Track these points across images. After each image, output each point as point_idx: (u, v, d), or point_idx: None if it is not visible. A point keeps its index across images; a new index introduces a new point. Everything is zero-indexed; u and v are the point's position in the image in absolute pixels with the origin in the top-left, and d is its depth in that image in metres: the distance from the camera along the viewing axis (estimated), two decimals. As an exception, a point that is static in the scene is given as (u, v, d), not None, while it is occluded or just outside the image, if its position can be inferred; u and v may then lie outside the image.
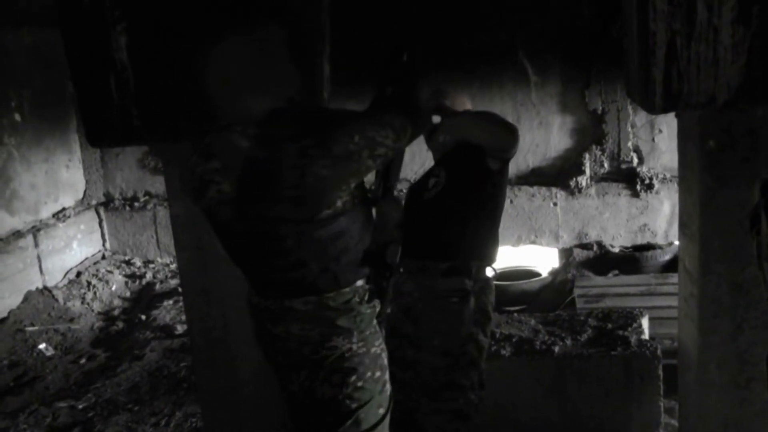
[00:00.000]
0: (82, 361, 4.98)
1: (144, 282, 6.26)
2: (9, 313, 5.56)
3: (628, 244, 5.92)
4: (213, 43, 2.08)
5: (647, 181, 5.83)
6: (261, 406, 2.73)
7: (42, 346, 5.20)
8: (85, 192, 6.79)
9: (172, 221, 2.65)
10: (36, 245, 6.02)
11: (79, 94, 2.55)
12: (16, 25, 5.84)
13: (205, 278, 2.62)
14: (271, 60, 2.09)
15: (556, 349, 3.07)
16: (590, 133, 5.96)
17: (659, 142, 5.91)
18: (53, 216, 6.35)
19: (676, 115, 2.60)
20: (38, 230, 6.07)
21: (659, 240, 5.85)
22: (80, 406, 4.25)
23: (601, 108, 5.92)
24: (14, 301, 5.67)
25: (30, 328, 5.44)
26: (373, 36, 5.58)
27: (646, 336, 3.28)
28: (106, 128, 2.50)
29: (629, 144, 5.94)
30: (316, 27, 2.69)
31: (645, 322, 3.37)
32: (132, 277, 6.37)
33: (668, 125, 5.78)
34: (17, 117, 6.02)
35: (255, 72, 2.05)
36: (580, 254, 5.76)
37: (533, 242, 5.89)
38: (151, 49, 2.40)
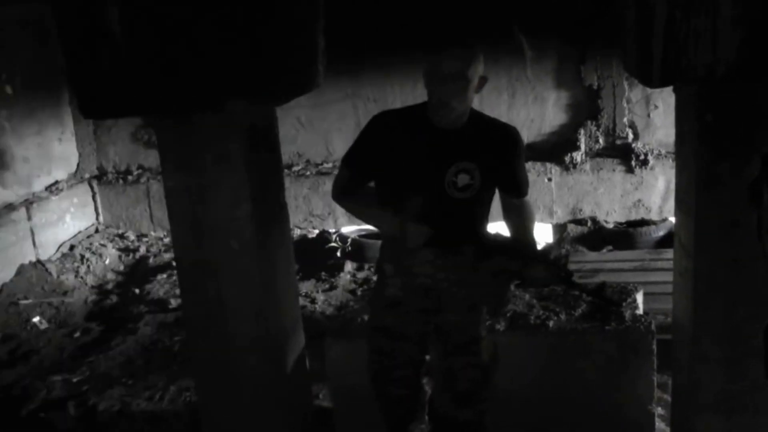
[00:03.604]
0: (76, 334, 4.98)
1: (137, 256, 6.25)
2: (2, 286, 5.56)
3: (623, 220, 5.94)
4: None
5: (642, 157, 5.83)
6: (257, 378, 2.73)
7: (36, 319, 5.20)
8: (78, 165, 6.76)
9: (166, 194, 2.63)
10: (29, 218, 6.00)
11: (71, 66, 2.51)
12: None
13: (199, 251, 2.60)
14: None
15: (551, 323, 3.08)
16: (585, 108, 5.96)
17: (654, 118, 5.90)
18: (46, 189, 6.33)
19: (674, 89, 2.59)
20: (31, 203, 6.04)
21: (653, 216, 5.87)
22: (74, 380, 4.26)
23: (596, 83, 5.90)
24: (7, 274, 5.66)
25: (23, 302, 5.43)
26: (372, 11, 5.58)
27: (640, 311, 3.29)
28: (98, 100, 2.47)
29: (624, 119, 5.94)
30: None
31: (639, 297, 3.38)
32: (126, 250, 6.35)
33: (664, 101, 5.77)
34: (8, 90, 5.96)
35: None
36: (574, 230, 5.77)
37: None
38: (144, 20, 2.36)
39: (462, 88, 2.39)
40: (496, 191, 2.67)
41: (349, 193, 2.64)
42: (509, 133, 2.60)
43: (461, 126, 2.50)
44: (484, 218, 2.67)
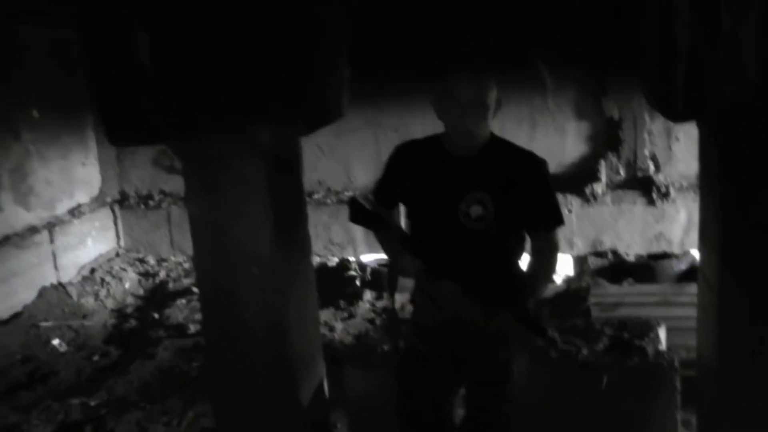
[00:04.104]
0: (95, 357, 4.99)
1: (157, 280, 6.28)
2: (23, 308, 5.59)
3: (643, 253, 5.89)
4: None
5: (663, 190, 5.80)
6: (275, 404, 2.73)
7: (55, 341, 5.22)
8: (100, 189, 6.82)
9: (189, 218, 2.65)
10: (51, 241, 6.05)
11: (98, 93, 2.55)
12: (36, 23, 5.87)
13: (220, 275, 2.61)
14: None
15: (573, 357, 3.05)
16: (606, 139, 5.95)
17: (676, 150, 5.88)
18: (68, 212, 6.38)
19: (697, 123, 2.58)
20: (53, 226, 6.10)
21: (675, 249, 5.82)
22: (92, 403, 4.26)
23: (617, 115, 5.90)
24: (28, 296, 5.69)
25: (44, 324, 5.46)
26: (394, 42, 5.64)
27: (663, 346, 3.25)
28: (125, 128, 2.50)
29: (645, 151, 5.92)
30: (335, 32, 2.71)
31: (662, 332, 3.34)
32: (145, 275, 6.38)
33: (685, 133, 5.75)
34: (35, 113, 6.04)
35: None
36: (594, 262, 5.73)
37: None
38: (173, 49, 2.39)
39: (481, 116, 2.34)
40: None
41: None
42: (529, 160, 2.46)
43: (477, 153, 2.43)
44: (512, 253, 2.55)
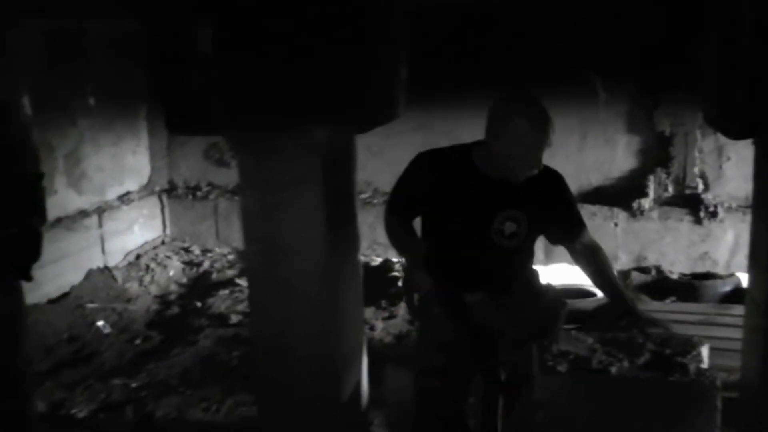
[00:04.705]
0: (137, 341, 5.10)
1: (201, 270, 6.38)
2: (71, 288, 5.74)
3: (687, 272, 5.82)
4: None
5: (711, 209, 5.72)
6: (317, 399, 2.77)
7: (100, 323, 5.34)
8: (149, 178, 6.96)
9: (242, 211, 2.71)
10: (100, 225, 6.21)
11: (160, 82, 2.62)
12: (98, 16, 6.03)
13: (270, 269, 2.66)
14: None
15: (613, 369, 3.03)
16: (656, 155, 5.89)
17: (726, 170, 5.79)
18: (118, 199, 6.53)
19: (753, 141, 2.56)
20: (103, 211, 6.25)
21: (720, 270, 5.73)
22: (133, 385, 4.36)
23: (668, 130, 5.84)
24: (76, 277, 5.85)
25: (89, 305, 5.60)
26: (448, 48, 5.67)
27: (705, 365, 3.21)
28: (187, 117, 2.56)
29: (695, 169, 5.85)
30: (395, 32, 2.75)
31: (705, 351, 3.30)
32: (189, 264, 6.50)
33: (737, 153, 5.66)
34: (91, 101, 6.20)
35: None
36: (637, 277, 5.68)
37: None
38: (237, 42, 2.45)
39: (542, 153, 2.39)
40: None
41: (397, 231, 2.66)
42: (554, 177, 2.58)
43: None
44: (530, 263, 2.67)
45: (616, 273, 2.71)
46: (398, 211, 2.63)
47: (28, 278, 2.69)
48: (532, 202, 2.51)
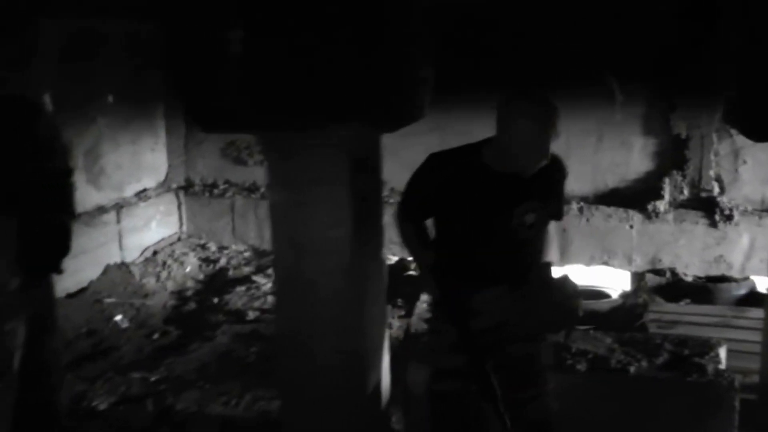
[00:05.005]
0: (155, 336, 5.15)
1: (217, 267, 6.43)
2: (89, 283, 5.80)
3: (702, 274, 5.82)
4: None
5: (727, 212, 5.72)
6: (339, 394, 2.80)
7: (118, 318, 5.40)
8: (167, 175, 7.02)
9: (270, 208, 2.76)
10: (118, 222, 6.27)
11: (188, 82, 2.66)
12: (116, 17, 6.10)
13: (297, 266, 2.71)
14: None
15: (632, 369, 3.07)
16: (672, 157, 5.90)
17: (743, 173, 5.79)
18: (135, 195, 6.59)
19: (774, 144, 2.58)
20: (121, 207, 6.31)
21: (735, 273, 5.73)
22: (152, 379, 4.40)
23: (685, 133, 5.85)
24: (94, 272, 5.90)
25: (107, 300, 5.66)
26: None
27: (723, 366, 3.25)
28: (216, 116, 2.61)
29: (711, 172, 5.85)
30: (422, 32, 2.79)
31: (722, 353, 3.33)
32: (206, 260, 6.55)
33: (753, 156, 5.67)
34: (110, 99, 6.26)
35: None
36: (652, 279, 5.69)
37: (605, 263, 5.85)
38: (265, 44, 2.49)
39: (550, 143, 2.42)
40: None
41: (410, 236, 2.69)
42: (560, 163, 2.66)
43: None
44: (543, 251, 2.69)
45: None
46: (410, 212, 2.65)
47: (59, 271, 2.75)
48: (544, 190, 2.57)
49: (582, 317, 2.71)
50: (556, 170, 2.63)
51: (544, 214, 2.58)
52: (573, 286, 2.57)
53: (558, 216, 2.73)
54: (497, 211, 2.51)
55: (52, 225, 2.73)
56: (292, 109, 2.49)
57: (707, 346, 3.32)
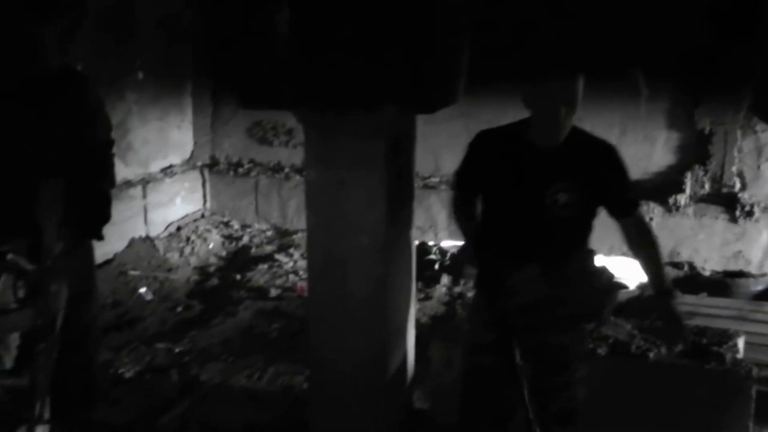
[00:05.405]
0: (179, 309, 5.26)
1: (240, 244, 6.53)
2: (114, 255, 5.92)
3: (720, 269, 5.87)
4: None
5: (747, 208, 5.76)
6: (367, 370, 2.88)
7: (142, 290, 5.51)
8: (192, 153, 7.12)
9: (306, 185, 2.83)
10: (144, 196, 6.38)
11: (231, 60, 2.73)
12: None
13: (331, 242, 2.78)
14: None
15: (651, 355, 3.14)
16: (694, 152, 5.92)
17: (765, 170, 5.82)
18: (161, 171, 6.70)
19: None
20: (147, 183, 6.42)
21: (753, 269, 5.77)
22: (177, 350, 4.52)
23: (708, 128, 5.87)
24: (119, 245, 6.03)
25: (132, 272, 5.78)
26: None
27: (741, 356, 3.30)
28: (259, 94, 2.68)
29: (733, 168, 5.87)
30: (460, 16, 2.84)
31: (741, 343, 3.39)
32: (229, 238, 6.65)
33: (776, 154, 5.70)
34: (140, 75, 6.35)
35: None
36: (670, 272, 5.73)
37: (624, 254, 5.89)
38: (312, 24, 2.55)
39: (571, 106, 2.47)
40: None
41: (459, 211, 2.77)
42: (606, 148, 2.64)
43: (560, 144, 2.56)
44: (586, 237, 2.72)
45: (661, 260, 2.74)
46: (460, 189, 2.75)
47: (100, 237, 2.85)
48: (583, 173, 2.58)
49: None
50: (602, 157, 2.62)
51: (583, 198, 2.59)
52: (610, 276, 2.61)
53: (623, 212, 2.70)
54: (533, 186, 2.57)
55: (95, 193, 2.82)
56: (335, 91, 2.56)
57: (726, 336, 3.38)
